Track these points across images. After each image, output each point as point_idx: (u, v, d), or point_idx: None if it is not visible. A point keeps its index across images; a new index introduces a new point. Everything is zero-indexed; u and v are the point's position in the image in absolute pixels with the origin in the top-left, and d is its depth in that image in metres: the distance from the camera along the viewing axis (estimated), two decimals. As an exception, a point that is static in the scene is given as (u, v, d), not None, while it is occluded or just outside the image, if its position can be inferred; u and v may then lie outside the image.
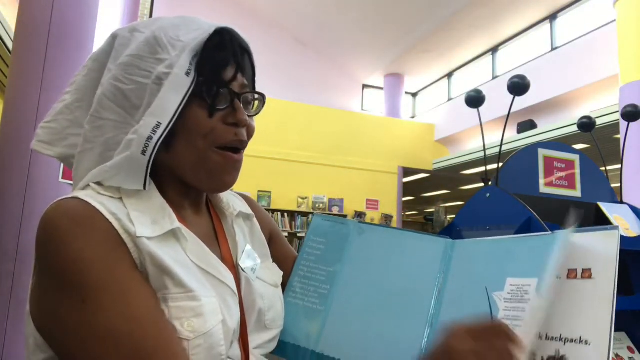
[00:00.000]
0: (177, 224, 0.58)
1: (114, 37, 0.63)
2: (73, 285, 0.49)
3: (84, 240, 0.50)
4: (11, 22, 4.14)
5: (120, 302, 0.49)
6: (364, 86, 11.83)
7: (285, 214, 7.45)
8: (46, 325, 0.51)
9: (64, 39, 2.81)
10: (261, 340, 0.65)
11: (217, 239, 0.68)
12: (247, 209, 0.76)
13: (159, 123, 0.56)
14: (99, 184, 0.58)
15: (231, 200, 0.73)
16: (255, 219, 0.77)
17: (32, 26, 2.77)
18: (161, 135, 0.56)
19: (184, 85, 0.57)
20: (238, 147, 0.63)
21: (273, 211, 7.41)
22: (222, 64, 0.61)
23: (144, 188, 0.58)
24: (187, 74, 0.57)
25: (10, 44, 4.62)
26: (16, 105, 2.74)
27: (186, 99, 0.57)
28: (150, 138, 0.55)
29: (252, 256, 0.70)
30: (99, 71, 0.62)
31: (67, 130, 0.64)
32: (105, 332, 0.48)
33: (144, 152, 0.55)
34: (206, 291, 0.56)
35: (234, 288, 0.61)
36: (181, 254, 0.57)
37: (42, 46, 2.74)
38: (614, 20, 5.50)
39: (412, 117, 11.79)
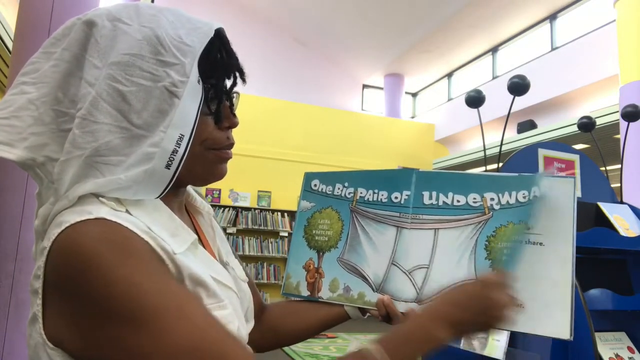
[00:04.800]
0: (193, 234, 0.57)
1: (89, 24, 0.55)
2: (130, 311, 0.46)
3: (132, 264, 0.47)
4: (11, 22, 4.14)
5: (182, 317, 0.47)
6: (364, 86, 11.83)
7: (286, 214, 7.44)
8: (95, 355, 0.48)
9: (64, 39, 2.80)
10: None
11: (200, 240, 0.67)
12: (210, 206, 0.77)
13: (182, 135, 0.54)
14: (98, 195, 0.52)
15: (198, 198, 0.73)
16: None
17: (32, 26, 2.77)
18: (186, 148, 0.54)
19: (198, 95, 0.55)
20: (228, 149, 0.63)
21: (273, 211, 7.41)
22: (228, 71, 0.60)
23: (159, 197, 0.56)
24: (199, 81, 0.55)
25: (10, 44, 4.63)
26: (16, 105, 2.73)
27: (200, 108, 0.56)
28: (175, 152, 0.53)
29: (228, 254, 0.71)
30: (71, 63, 0.55)
31: (30, 128, 0.54)
32: (177, 349, 0.46)
33: (168, 166, 0.53)
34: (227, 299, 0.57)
35: (236, 290, 0.61)
36: (199, 264, 0.57)
37: (42, 46, 2.74)
38: (614, 20, 5.50)
39: (412, 117, 11.78)
